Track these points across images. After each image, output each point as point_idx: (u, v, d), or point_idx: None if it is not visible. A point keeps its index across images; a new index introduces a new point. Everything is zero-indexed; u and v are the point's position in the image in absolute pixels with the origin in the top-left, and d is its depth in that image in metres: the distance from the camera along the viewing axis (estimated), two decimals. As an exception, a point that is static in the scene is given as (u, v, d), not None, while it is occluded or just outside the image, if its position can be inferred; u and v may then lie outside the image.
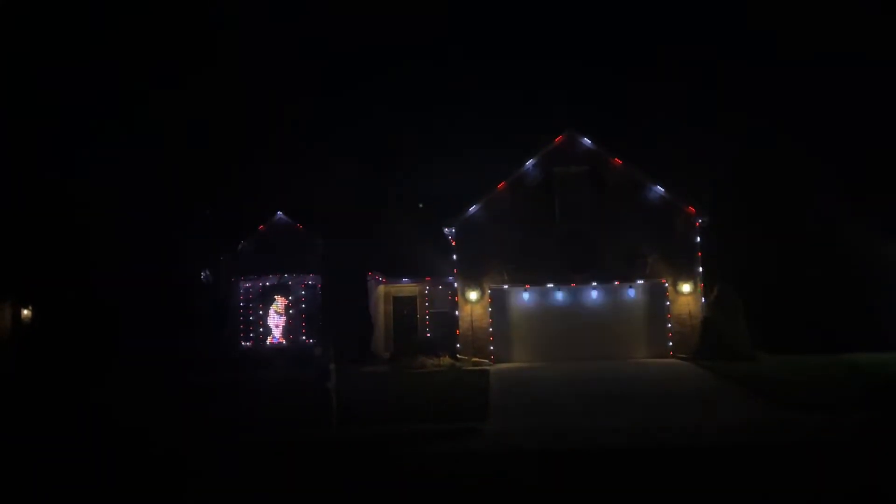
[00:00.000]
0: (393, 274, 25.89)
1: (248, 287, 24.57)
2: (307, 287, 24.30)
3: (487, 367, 20.31)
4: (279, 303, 24.36)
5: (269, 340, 24.21)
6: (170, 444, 11.49)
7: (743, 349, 19.59)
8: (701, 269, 21.48)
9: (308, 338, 23.59)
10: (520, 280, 21.91)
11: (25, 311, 24.43)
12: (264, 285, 24.43)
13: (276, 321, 24.32)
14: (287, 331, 24.21)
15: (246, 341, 24.15)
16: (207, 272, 24.71)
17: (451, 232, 22.59)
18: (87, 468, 10.29)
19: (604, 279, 21.62)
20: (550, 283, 21.79)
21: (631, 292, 21.84)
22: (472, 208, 22.30)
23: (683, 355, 20.68)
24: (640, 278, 21.60)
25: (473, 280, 22.04)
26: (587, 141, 22.27)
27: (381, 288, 26.20)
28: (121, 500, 8.71)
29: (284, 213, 25.04)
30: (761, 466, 9.14)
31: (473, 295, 21.96)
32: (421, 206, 26.04)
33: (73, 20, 25.71)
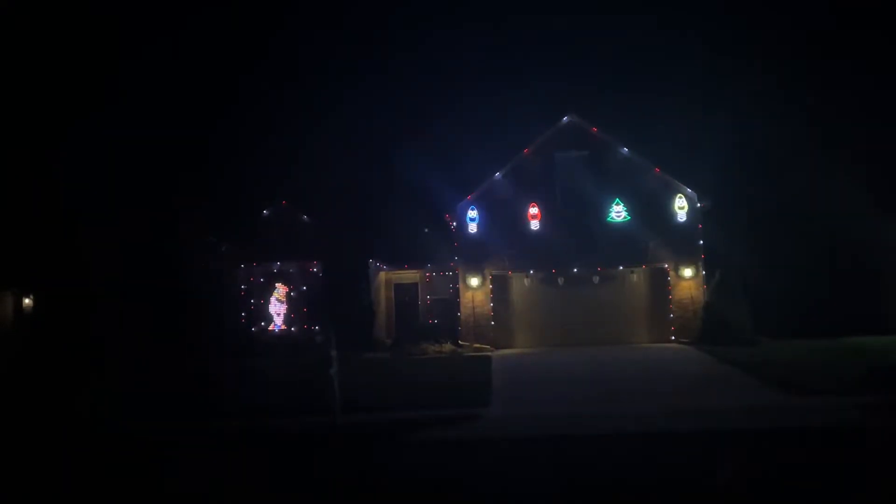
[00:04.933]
0: (394, 261, 25.82)
1: (250, 274, 24.51)
2: (308, 274, 24.23)
3: (489, 354, 20.31)
4: (280, 290, 24.29)
5: (270, 328, 24.18)
6: (168, 434, 11.49)
7: (745, 334, 19.57)
8: (702, 253, 21.44)
9: (310, 325, 23.57)
10: (521, 266, 21.88)
11: (27, 301, 24.40)
12: (266, 273, 24.37)
13: (277, 308, 24.26)
14: (289, 318, 24.15)
15: (247, 328, 24.10)
16: (209, 260, 24.63)
17: (452, 218, 22.54)
18: (84, 460, 10.30)
19: (605, 264, 21.59)
20: (552, 268, 21.76)
21: (632, 277, 21.82)
22: (473, 194, 22.25)
23: (685, 340, 20.68)
24: (642, 263, 21.56)
25: (475, 266, 22.01)
26: (588, 126, 22.16)
27: (383, 275, 26.15)
28: (120, 492, 8.71)
29: (286, 201, 24.93)
30: (771, 451, 9.13)
31: (475, 281, 21.94)
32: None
33: (70, 9, 25.57)
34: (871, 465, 8.21)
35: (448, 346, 21.08)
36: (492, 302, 21.96)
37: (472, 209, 22.10)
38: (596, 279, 21.73)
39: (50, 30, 25.18)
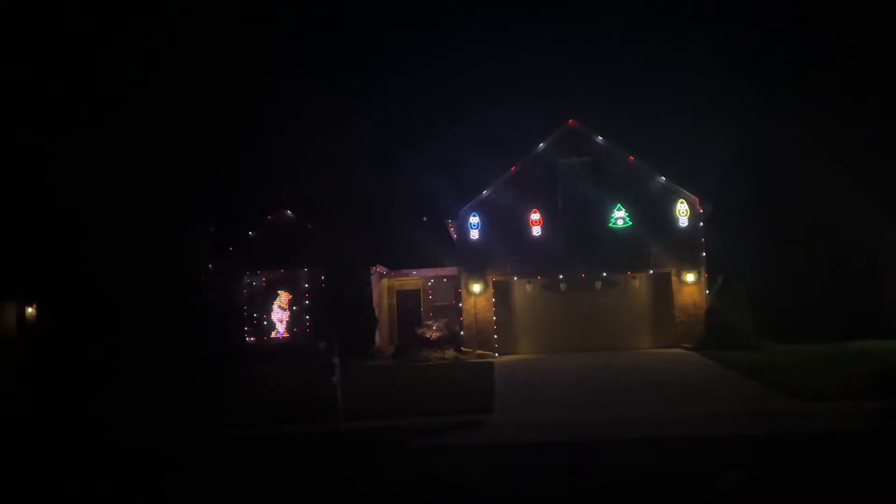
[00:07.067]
0: (396, 267, 25.85)
1: (252, 282, 24.52)
2: (311, 281, 24.24)
3: (492, 360, 20.28)
4: (283, 297, 24.29)
5: (273, 335, 24.17)
6: (172, 443, 11.48)
7: (748, 338, 19.54)
8: (705, 258, 21.41)
9: (312, 332, 23.54)
10: (523, 272, 21.86)
11: (30, 310, 24.42)
12: (268, 280, 24.37)
13: (280, 316, 24.25)
14: (291, 325, 24.14)
15: (250, 336, 24.09)
16: (211, 268, 24.66)
17: (454, 225, 22.54)
18: (87, 469, 10.30)
19: (608, 269, 21.56)
20: (554, 274, 21.74)
21: (635, 283, 21.80)
22: (475, 200, 22.26)
23: (688, 345, 20.64)
24: (644, 268, 21.53)
25: (477, 272, 22.00)
26: (589, 132, 22.18)
27: (385, 281, 26.15)
28: (124, 501, 8.71)
29: (288, 208, 24.96)
30: (775, 456, 9.10)
31: (477, 287, 21.92)
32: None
33: (75, 11, 25.62)
34: (875, 471, 8.17)
35: (451, 353, 21.05)
36: (494, 308, 21.93)
37: (474, 215, 22.11)
38: (598, 285, 21.71)
39: (54, 35, 25.25)
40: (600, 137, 22.11)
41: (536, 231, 21.80)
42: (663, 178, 21.75)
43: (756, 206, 24.23)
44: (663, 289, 21.60)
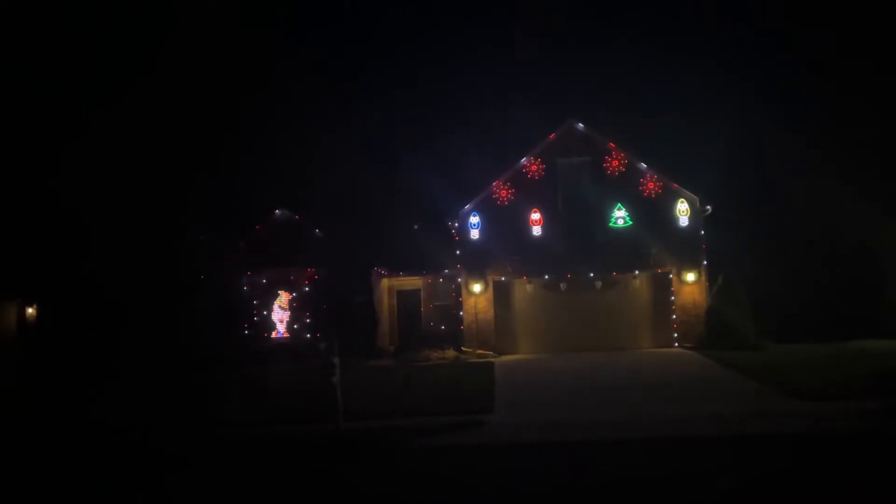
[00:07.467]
0: (396, 268, 25.83)
1: (252, 282, 24.50)
2: (311, 281, 24.22)
3: (492, 360, 20.27)
4: (283, 297, 24.26)
5: (273, 335, 24.15)
6: (173, 443, 11.49)
7: (748, 338, 19.53)
8: (705, 258, 21.40)
9: (312, 332, 23.54)
10: (523, 272, 21.86)
11: (30, 310, 24.44)
12: (268, 280, 24.35)
13: (280, 316, 24.23)
14: (291, 325, 24.12)
15: (250, 336, 24.07)
16: (212, 267, 24.66)
17: (453, 225, 22.54)
18: (88, 468, 10.30)
19: (607, 269, 21.55)
20: (554, 274, 21.73)
21: (635, 282, 21.79)
22: (475, 201, 22.27)
23: (688, 345, 20.65)
24: (644, 268, 21.53)
25: (477, 272, 22.00)
26: (589, 131, 22.17)
27: (385, 282, 26.13)
28: (125, 501, 8.72)
29: (288, 208, 24.95)
30: (775, 456, 9.10)
31: (477, 287, 21.93)
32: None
33: (75, 12, 25.66)
34: (875, 470, 8.17)
35: (451, 353, 21.05)
36: (494, 308, 21.93)
37: (475, 215, 22.12)
38: (598, 284, 21.69)
39: (55, 35, 25.29)
40: (600, 137, 22.10)
41: (536, 231, 21.80)
42: (663, 177, 21.74)
43: (756, 206, 24.22)
44: (663, 288, 21.60)
